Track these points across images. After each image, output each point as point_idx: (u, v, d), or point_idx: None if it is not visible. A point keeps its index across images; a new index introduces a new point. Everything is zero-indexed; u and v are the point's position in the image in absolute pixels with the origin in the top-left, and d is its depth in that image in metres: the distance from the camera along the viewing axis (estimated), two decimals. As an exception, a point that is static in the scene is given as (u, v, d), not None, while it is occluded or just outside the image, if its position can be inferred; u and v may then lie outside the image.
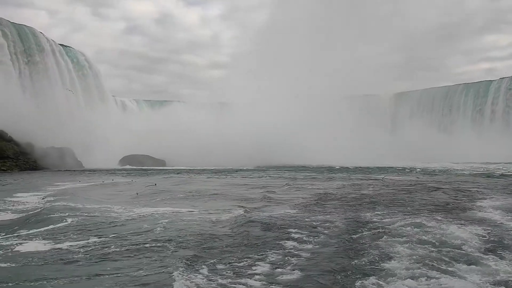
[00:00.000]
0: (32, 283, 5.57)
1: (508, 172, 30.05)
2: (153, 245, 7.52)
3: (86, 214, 10.72)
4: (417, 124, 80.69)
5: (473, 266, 6.12)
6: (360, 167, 38.46)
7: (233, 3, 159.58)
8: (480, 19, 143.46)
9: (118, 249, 7.24)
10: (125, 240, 7.94)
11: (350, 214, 10.77)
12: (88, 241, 7.86)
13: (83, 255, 6.88)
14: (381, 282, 5.52)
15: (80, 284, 5.58)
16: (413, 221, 9.49)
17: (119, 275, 5.89)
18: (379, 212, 10.97)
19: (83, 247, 7.42)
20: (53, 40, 59.87)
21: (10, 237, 8.23)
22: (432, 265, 6.17)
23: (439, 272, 5.86)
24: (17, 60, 51.98)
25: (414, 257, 6.59)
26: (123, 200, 13.97)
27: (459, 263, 6.31)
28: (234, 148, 52.37)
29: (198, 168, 39.55)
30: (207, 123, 62.34)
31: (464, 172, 31.17)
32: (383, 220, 9.80)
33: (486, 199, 14.15)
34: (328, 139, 59.13)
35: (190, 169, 37.42)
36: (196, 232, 8.57)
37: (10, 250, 7.21)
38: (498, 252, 6.90)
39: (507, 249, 7.07)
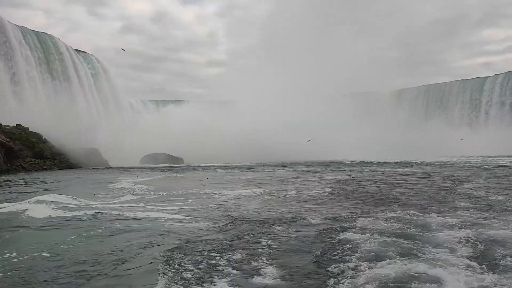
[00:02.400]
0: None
1: (496, 164, 34.71)
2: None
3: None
4: (416, 120, 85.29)
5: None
6: (363, 161, 42.98)
7: (230, 1, 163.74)
8: (477, 13, 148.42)
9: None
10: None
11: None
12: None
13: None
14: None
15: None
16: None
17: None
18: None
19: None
20: (70, 47, 63.94)
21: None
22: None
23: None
24: (41, 69, 56.12)
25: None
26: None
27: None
28: (243, 146, 56.52)
29: (219, 164, 43.86)
30: (216, 121, 66.05)
31: (460, 164, 35.76)
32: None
33: (470, 182, 18.75)
34: (331, 136, 63.35)
35: (216, 166, 41.54)
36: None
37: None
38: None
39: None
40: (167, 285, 5.54)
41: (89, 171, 36.32)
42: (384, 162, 41.82)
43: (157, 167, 42.28)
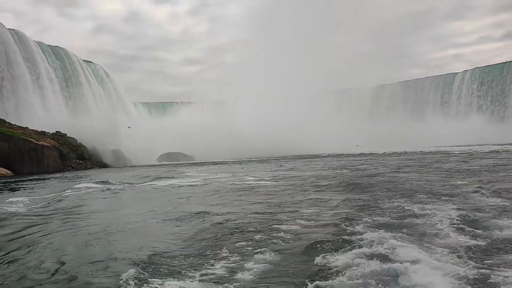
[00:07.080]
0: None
1: (461, 152, 45.64)
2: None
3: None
4: (394, 113, 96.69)
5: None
6: (347, 154, 53.40)
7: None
8: (445, 6, 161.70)
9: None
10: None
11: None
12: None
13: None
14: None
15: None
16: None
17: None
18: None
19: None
20: (79, 57, 72.09)
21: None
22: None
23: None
24: (58, 80, 64.34)
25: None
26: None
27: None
28: (243, 143, 65.93)
29: (231, 160, 53.48)
30: (215, 121, 74.80)
31: (432, 152, 46.47)
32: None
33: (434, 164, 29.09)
34: (320, 131, 73.53)
35: (230, 161, 51.11)
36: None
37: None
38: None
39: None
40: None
41: (129, 168, 45.27)
42: (364, 153, 52.35)
43: (178, 163, 51.53)
